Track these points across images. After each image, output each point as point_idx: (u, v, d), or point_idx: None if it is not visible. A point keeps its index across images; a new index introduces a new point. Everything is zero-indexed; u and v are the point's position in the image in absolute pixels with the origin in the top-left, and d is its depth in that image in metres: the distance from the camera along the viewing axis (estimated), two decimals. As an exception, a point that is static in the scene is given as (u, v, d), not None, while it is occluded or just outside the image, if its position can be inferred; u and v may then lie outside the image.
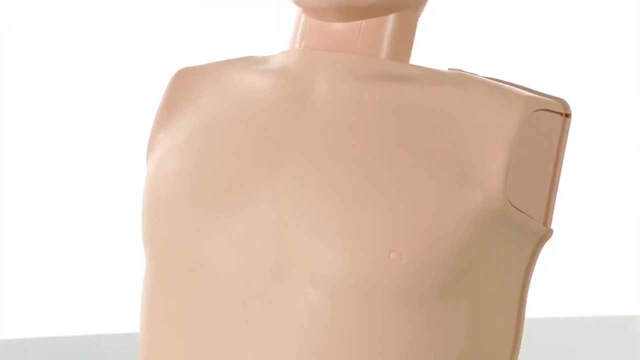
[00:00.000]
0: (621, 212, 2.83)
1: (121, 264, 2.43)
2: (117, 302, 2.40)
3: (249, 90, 1.00)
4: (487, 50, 2.63)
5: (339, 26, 0.97)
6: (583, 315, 2.72)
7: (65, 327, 2.43)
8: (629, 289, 2.80)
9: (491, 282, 0.93)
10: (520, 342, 0.97)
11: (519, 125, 0.91)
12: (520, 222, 0.93)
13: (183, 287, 0.96)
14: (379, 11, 0.96)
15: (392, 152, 0.91)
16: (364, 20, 0.97)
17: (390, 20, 0.97)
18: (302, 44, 0.99)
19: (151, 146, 1.04)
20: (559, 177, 0.98)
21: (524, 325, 0.98)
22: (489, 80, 0.95)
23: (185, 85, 1.04)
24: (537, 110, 0.93)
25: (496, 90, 0.93)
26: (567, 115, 0.97)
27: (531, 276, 0.97)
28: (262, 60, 1.02)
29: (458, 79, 0.94)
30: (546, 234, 0.96)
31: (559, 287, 2.71)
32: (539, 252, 0.97)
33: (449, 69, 1.00)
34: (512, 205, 0.91)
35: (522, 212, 0.93)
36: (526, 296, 0.97)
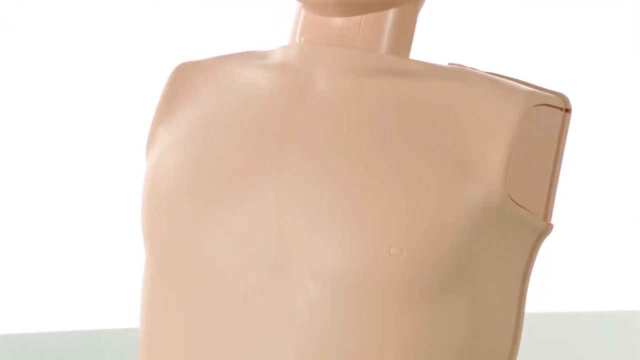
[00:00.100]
0: (621, 208, 2.83)
1: (121, 259, 2.43)
2: (117, 297, 2.40)
3: (249, 85, 1.00)
4: (487, 45, 2.63)
5: (339, 21, 0.97)
6: (583, 311, 2.72)
7: (65, 322, 2.43)
8: (628, 284, 2.80)
9: (491, 277, 0.93)
10: (520, 336, 0.97)
11: (519, 120, 0.91)
12: (520, 217, 0.93)
13: (183, 281, 0.96)
14: (379, 6, 0.96)
15: (392, 147, 0.91)
16: (364, 15, 0.97)
17: (391, 15, 0.97)
18: (302, 39, 0.99)
19: (151, 141, 1.04)
20: (559, 172, 0.98)
21: (524, 320, 0.98)
22: (489, 75, 0.95)
23: (185, 80, 1.04)
24: (537, 105, 0.93)
25: (496, 85, 0.93)
26: (567, 110, 0.97)
27: (531, 271, 0.97)
28: (262, 55, 1.02)
29: (458, 74, 0.94)
30: (546, 229, 0.96)
31: (559, 282, 2.71)
32: (539, 247, 0.97)
33: (449, 64, 1.00)
34: (512, 200, 0.91)
35: (522, 207, 0.93)
36: (526, 291, 0.97)
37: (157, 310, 0.99)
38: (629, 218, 2.82)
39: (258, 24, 2.44)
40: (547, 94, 0.95)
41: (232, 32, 2.49)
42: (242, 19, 2.52)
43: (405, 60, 0.96)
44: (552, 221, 0.97)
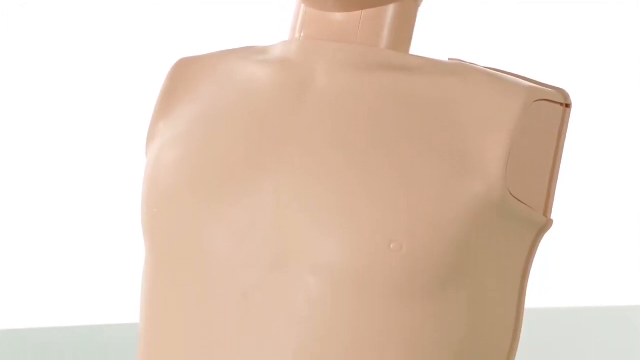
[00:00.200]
0: (621, 203, 2.83)
1: (121, 255, 2.44)
2: (118, 292, 2.40)
3: (249, 80, 1.00)
4: (487, 41, 2.63)
5: (338, 16, 0.97)
6: (583, 306, 2.73)
7: (66, 317, 2.44)
8: (629, 280, 2.80)
9: (491, 272, 0.93)
10: (520, 332, 0.97)
11: (519, 115, 0.91)
12: (520, 213, 0.93)
13: (183, 277, 0.96)
14: (379, 1, 0.96)
15: (392, 142, 0.91)
16: (364, 10, 0.97)
17: (391, 10, 0.97)
18: (302, 34, 0.99)
19: (151, 136, 1.04)
20: (559, 168, 0.98)
21: (524, 315, 0.98)
22: (489, 70, 0.95)
23: (185, 75, 1.04)
24: (537, 100, 0.93)
25: (496, 80, 0.93)
26: (567, 106, 0.97)
27: (531, 266, 0.97)
28: (262, 50, 1.02)
29: (458, 69, 0.94)
30: (546, 224, 0.96)
31: (559, 277, 2.71)
32: (539, 242, 0.97)
33: (449, 59, 1.00)
34: (512, 196, 0.91)
35: (522, 202, 0.93)
36: (526, 286, 0.97)
37: (157, 306, 0.99)
38: (629, 213, 2.82)
39: (258, 19, 2.44)
40: (547, 89, 0.95)
41: (231, 27, 2.49)
42: (242, 15, 2.52)
43: (405, 56, 0.96)
44: (552, 217, 0.97)
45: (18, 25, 2.45)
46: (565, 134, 0.98)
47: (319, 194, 0.90)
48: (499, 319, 0.95)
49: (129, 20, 2.52)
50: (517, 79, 0.94)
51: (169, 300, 0.97)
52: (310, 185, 0.91)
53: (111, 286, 2.47)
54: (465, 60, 1.00)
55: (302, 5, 0.99)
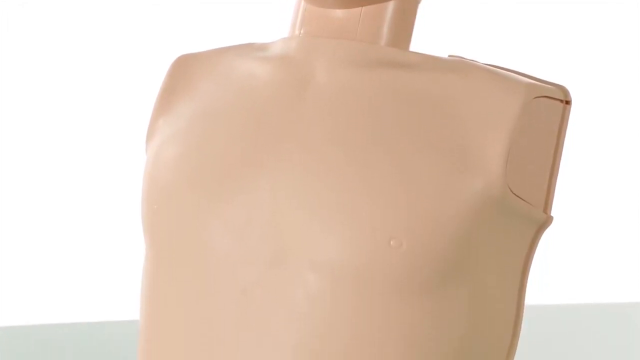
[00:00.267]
0: (621, 200, 2.83)
1: (121, 251, 2.44)
2: (118, 289, 2.41)
3: (248, 77, 1.00)
4: (487, 37, 2.63)
5: (338, 13, 0.97)
6: (583, 303, 2.73)
7: (66, 314, 2.44)
8: (629, 276, 2.80)
9: (491, 269, 0.93)
10: (520, 328, 0.97)
11: (519, 112, 0.91)
12: (520, 209, 0.93)
13: (183, 274, 0.96)
14: (379, -2, 0.96)
15: (391, 139, 0.91)
16: (363, 7, 0.97)
17: (390, 7, 0.97)
18: (302, 31, 0.99)
19: (150, 133, 1.04)
20: (559, 164, 0.98)
21: (524, 312, 0.98)
22: (489, 67, 0.95)
23: (185, 72, 1.04)
24: (537, 97, 0.93)
25: (496, 77, 0.93)
26: (567, 102, 0.97)
27: (531, 263, 0.97)
28: (262, 47, 1.02)
29: (458, 66, 0.94)
30: (546, 221, 0.96)
31: (559, 274, 2.71)
32: (539, 239, 0.97)
33: (449, 56, 1.00)
34: (512, 192, 0.91)
35: (522, 199, 0.93)
36: (526, 283, 0.97)
37: (157, 303, 0.99)
38: (629, 210, 2.82)
39: (258, 16, 2.44)
40: (547, 85, 0.95)
41: (231, 24, 2.49)
42: (242, 12, 2.52)
43: (405, 52, 0.96)
44: (552, 213, 0.97)
45: (18, 25, 2.46)
46: (565, 131, 0.98)
47: (318, 190, 0.90)
48: (498, 316, 0.95)
49: (129, 19, 2.52)
50: (517, 75, 0.94)
51: (168, 296, 0.97)
52: (310, 182, 0.91)
53: (111, 283, 2.47)
54: (465, 57, 1.00)
55: (302, 2, 0.99)
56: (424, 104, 0.92)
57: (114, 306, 2.39)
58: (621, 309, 2.72)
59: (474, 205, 0.89)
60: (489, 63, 0.98)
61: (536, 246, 0.97)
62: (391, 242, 0.88)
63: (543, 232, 0.97)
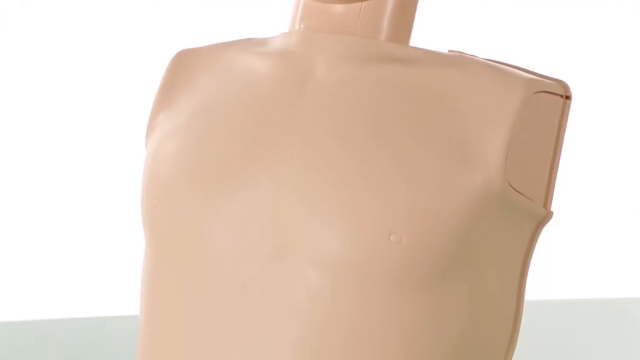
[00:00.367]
0: (621, 196, 2.83)
1: (121, 247, 2.44)
2: (118, 284, 2.41)
3: (248, 72, 0.99)
4: (487, 33, 2.63)
5: (338, 8, 0.97)
6: (583, 298, 2.73)
7: (66, 309, 2.44)
8: (628, 272, 2.80)
9: (491, 264, 0.93)
10: (519, 324, 0.98)
11: (519, 107, 0.91)
12: (520, 205, 0.93)
13: (183, 269, 0.96)
14: (379, -7, 0.96)
15: (392, 134, 0.91)
16: (363, 2, 0.96)
17: (390, 2, 0.97)
18: (302, 26, 0.99)
19: (150, 128, 1.04)
20: (559, 160, 0.98)
21: (524, 307, 0.98)
22: (489, 62, 0.95)
23: (185, 67, 1.04)
24: (537, 92, 0.93)
25: (496, 72, 0.93)
26: (567, 97, 0.97)
27: (531, 258, 0.97)
28: (262, 42, 1.02)
29: (458, 61, 0.94)
30: (546, 217, 0.96)
31: (559, 269, 2.71)
32: (539, 234, 0.97)
33: (449, 51, 1.00)
34: (512, 188, 0.91)
35: (522, 194, 0.93)
36: (526, 278, 0.97)
37: (157, 298, 0.99)
38: (629, 206, 2.82)
39: (257, 11, 2.44)
40: (547, 81, 0.95)
41: (231, 20, 2.49)
42: (242, 7, 2.52)
43: (405, 47, 0.96)
44: (552, 209, 0.97)
45: (18, 25, 2.46)
46: (565, 126, 0.98)
47: (319, 185, 0.90)
48: (498, 311, 0.95)
49: (129, 18, 2.52)
50: (517, 70, 0.94)
51: (168, 291, 0.97)
52: (310, 177, 0.91)
53: (111, 278, 2.47)
54: (465, 52, 1.00)
55: (302, -3, 0.99)
56: (423, 99, 0.92)
57: (114, 301, 2.40)
58: (621, 305, 2.72)
59: (474, 201, 0.89)
60: (489, 58, 0.98)
61: (536, 241, 0.97)
62: (391, 237, 0.88)
63: (543, 228, 0.97)
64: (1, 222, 2.47)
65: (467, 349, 0.93)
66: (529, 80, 0.92)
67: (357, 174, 0.90)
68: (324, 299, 0.90)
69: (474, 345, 0.93)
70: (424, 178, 0.89)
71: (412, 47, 0.97)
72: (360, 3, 0.96)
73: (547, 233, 1.01)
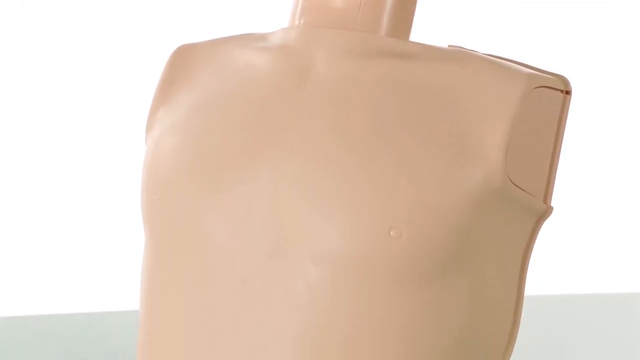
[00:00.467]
0: (621, 191, 2.83)
1: (121, 242, 2.44)
2: (117, 279, 2.41)
3: (248, 67, 0.99)
4: (487, 28, 2.63)
5: (338, 3, 0.97)
6: (583, 293, 2.73)
7: (66, 304, 2.44)
8: (629, 267, 2.80)
9: (491, 260, 0.93)
10: (519, 318, 0.98)
11: (520, 102, 0.91)
12: (520, 200, 0.93)
13: (183, 264, 0.96)
14: (379, -13, 0.96)
15: (392, 129, 0.91)
16: (363, -3, 0.97)
17: (390, -4, 0.97)
18: (302, 21, 0.99)
19: (150, 124, 1.04)
20: (559, 155, 0.98)
21: (524, 302, 0.98)
22: (490, 57, 0.95)
23: (185, 62, 1.04)
24: (537, 87, 0.93)
25: (497, 67, 0.93)
26: (568, 92, 0.97)
27: (531, 253, 0.97)
28: (262, 37, 1.02)
29: (458, 56, 0.94)
30: (546, 212, 0.96)
31: (559, 264, 2.71)
32: (539, 229, 0.97)
33: (449, 46, 1.00)
34: (512, 183, 0.91)
35: (522, 189, 0.93)
36: (526, 273, 0.97)
37: (156, 293, 0.99)
38: (629, 201, 2.82)
39: (257, 6, 2.43)
40: (547, 75, 0.95)
41: (230, 15, 2.49)
42: (242, 3, 2.52)
43: (405, 42, 0.96)
44: (552, 204, 0.97)
45: (18, 25, 2.46)
46: (565, 121, 0.98)
47: (319, 181, 0.90)
48: (498, 306, 0.95)
49: (128, 17, 2.52)
50: (517, 65, 0.94)
51: (168, 287, 0.97)
52: (310, 172, 0.91)
53: (111, 273, 2.47)
54: (465, 47, 1.00)
55: (302, -8, 0.99)
56: (423, 94, 0.92)
57: (114, 297, 2.40)
58: (621, 300, 2.72)
59: (474, 196, 0.89)
60: (489, 53, 0.98)
61: (536, 236, 0.97)
62: (391, 232, 0.88)
63: (543, 223, 0.97)
64: (0, 217, 2.48)
65: (467, 344, 0.93)
66: (529, 75, 0.92)
67: (357, 168, 0.90)
68: (324, 294, 0.90)
69: (474, 340, 0.93)
70: (424, 173, 0.89)
71: (412, 42, 0.97)
72: (360, -2, 0.96)
73: (547, 228, 1.01)
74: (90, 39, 2.51)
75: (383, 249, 0.88)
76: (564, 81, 0.97)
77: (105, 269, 2.50)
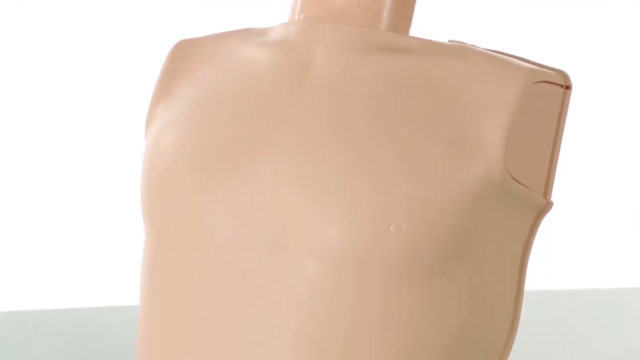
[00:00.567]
0: (621, 186, 2.83)
1: (121, 237, 2.44)
2: (118, 275, 2.41)
3: (248, 62, 0.99)
4: (488, 23, 2.63)
5: (338, -2, 0.97)
6: (583, 288, 2.73)
7: (66, 299, 2.44)
8: (629, 262, 2.81)
9: (491, 255, 0.93)
10: (519, 314, 0.98)
11: (520, 97, 0.91)
12: (520, 195, 0.93)
13: (183, 259, 0.96)
14: (379, -18, 0.96)
15: (392, 124, 0.91)
16: (363, -8, 0.96)
17: (390, -9, 0.97)
18: (302, 16, 0.98)
19: (150, 119, 1.04)
20: (559, 150, 0.98)
21: (524, 298, 0.98)
22: (490, 52, 0.95)
23: (185, 57, 1.04)
24: (537, 82, 0.93)
25: (497, 62, 0.92)
26: (568, 87, 0.97)
27: (531, 249, 0.97)
28: (261, 32, 1.02)
29: (458, 51, 0.94)
30: (546, 207, 0.96)
31: (559, 259, 2.71)
32: (539, 224, 0.97)
33: (449, 41, 1.00)
34: (512, 178, 0.91)
35: (522, 184, 0.93)
36: (526, 269, 0.97)
37: (157, 288, 0.99)
38: (629, 197, 2.82)
39: (257, 2, 2.43)
40: (548, 70, 0.95)
41: (230, 10, 2.49)
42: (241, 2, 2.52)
43: (405, 37, 0.96)
44: (552, 199, 0.97)
45: (18, 25, 2.46)
46: (565, 116, 0.97)
47: (319, 176, 0.90)
48: (498, 302, 0.95)
49: (128, 17, 2.52)
50: (517, 60, 0.94)
51: (168, 282, 0.97)
52: (310, 168, 0.91)
53: (111, 269, 2.47)
54: (465, 42, 1.00)
55: (302, -13, 0.99)
56: (423, 89, 0.92)
57: (114, 292, 2.40)
58: (621, 295, 2.72)
59: (473, 191, 0.89)
60: (489, 48, 0.97)
61: (536, 232, 0.97)
62: (391, 228, 0.88)
63: (543, 218, 0.97)
64: (0, 213, 2.48)
65: (467, 340, 0.93)
66: (529, 69, 0.92)
67: (357, 164, 0.90)
68: (324, 290, 0.90)
69: (474, 335, 0.93)
70: (424, 168, 0.89)
71: (412, 37, 0.97)
72: (360, -7, 0.96)
73: (547, 223, 1.01)
74: (90, 37, 2.51)
75: (383, 246, 0.88)
76: (564, 76, 0.97)
77: (106, 265, 2.51)
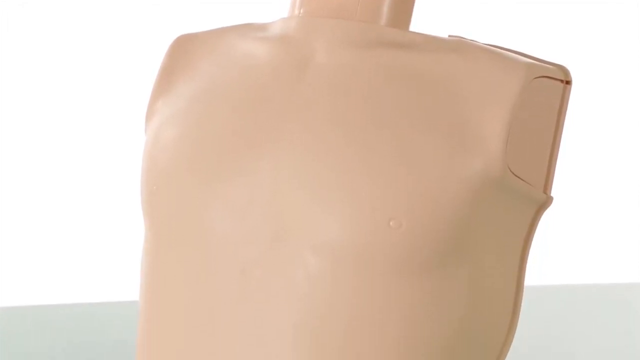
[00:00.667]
0: (621, 181, 2.83)
1: (122, 232, 2.44)
2: (117, 270, 2.41)
3: (248, 57, 0.99)
4: (488, 18, 2.62)
5: (338, -8, 0.97)
6: (582, 283, 2.73)
7: (66, 295, 2.44)
8: (628, 257, 2.81)
9: (491, 250, 0.93)
10: (519, 309, 0.98)
11: (520, 92, 0.91)
12: (520, 190, 0.93)
13: (182, 254, 0.96)
14: (379, -23, 0.96)
15: (391, 119, 0.91)
16: (363, -13, 0.96)
17: (390, -14, 0.97)
18: (302, 11, 0.98)
19: (150, 114, 1.04)
20: (559, 145, 0.98)
21: (524, 293, 0.98)
22: (490, 47, 0.95)
23: (185, 52, 1.04)
24: (537, 77, 0.93)
25: (497, 57, 0.92)
26: (568, 82, 0.97)
27: (531, 244, 0.97)
28: (261, 27, 1.02)
29: (458, 46, 0.94)
30: (546, 202, 0.96)
31: (559, 255, 2.71)
32: (539, 219, 0.97)
33: (449, 36, 1.00)
34: (512, 173, 0.91)
35: (521, 179, 0.93)
36: (525, 264, 0.97)
37: (156, 283, 0.99)
38: (629, 192, 2.82)
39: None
40: (548, 65, 0.95)
41: (229, 5, 2.48)
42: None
43: (405, 32, 0.96)
44: (552, 194, 0.97)
45: (18, 25, 2.46)
46: (565, 111, 0.97)
47: (319, 171, 0.90)
48: (498, 296, 0.95)
49: (128, 17, 2.52)
50: (517, 55, 0.94)
51: (168, 276, 0.97)
52: (310, 162, 0.91)
53: (111, 264, 2.47)
54: (465, 37, 1.00)
55: (302, -18, 0.99)
56: (423, 84, 0.92)
57: (114, 287, 2.40)
58: (620, 290, 2.72)
59: (473, 186, 0.89)
60: (489, 43, 0.97)
61: (536, 227, 0.97)
62: (391, 223, 0.88)
63: (543, 213, 0.97)
64: (1, 209, 2.48)
65: (467, 334, 0.93)
66: (529, 64, 0.92)
67: (357, 159, 0.90)
68: (324, 284, 0.90)
69: (474, 330, 0.93)
70: (424, 163, 0.89)
71: (411, 32, 0.97)
72: (360, -12, 0.96)
73: (547, 219, 1.01)
74: (90, 37, 2.52)
75: (383, 240, 0.88)
76: (564, 71, 0.97)
77: (106, 260, 2.51)
